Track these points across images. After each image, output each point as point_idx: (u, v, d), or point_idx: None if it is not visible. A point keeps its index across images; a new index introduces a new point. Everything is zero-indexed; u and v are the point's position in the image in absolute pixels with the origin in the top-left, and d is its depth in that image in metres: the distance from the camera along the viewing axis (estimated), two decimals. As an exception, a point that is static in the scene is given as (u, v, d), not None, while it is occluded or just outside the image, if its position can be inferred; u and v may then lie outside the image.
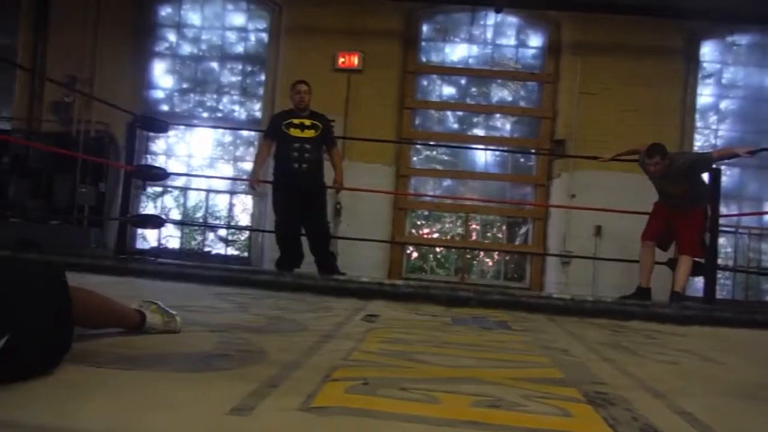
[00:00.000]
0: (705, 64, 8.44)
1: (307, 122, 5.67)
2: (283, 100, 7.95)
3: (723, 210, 6.93)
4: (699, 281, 6.61)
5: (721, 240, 7.43)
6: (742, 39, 8.45)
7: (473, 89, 8.72)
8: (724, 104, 8.50)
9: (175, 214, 8.85)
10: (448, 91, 8.72)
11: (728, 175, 7.88)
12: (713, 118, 8.40)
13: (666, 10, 7.47)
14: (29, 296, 1.62)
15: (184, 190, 8.84)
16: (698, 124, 8.30)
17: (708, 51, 8.47)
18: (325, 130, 5.77)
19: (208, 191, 8.73)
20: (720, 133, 8.34)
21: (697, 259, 5.58)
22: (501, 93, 8.65)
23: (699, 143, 8.18)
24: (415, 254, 8.81)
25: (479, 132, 8.66)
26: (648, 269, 5.54)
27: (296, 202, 5.62)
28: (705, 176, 5.75)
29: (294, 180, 5.60)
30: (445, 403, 1.65)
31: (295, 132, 5.63)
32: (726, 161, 6.69)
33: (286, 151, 5.64)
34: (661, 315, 4.28)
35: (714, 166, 5.58)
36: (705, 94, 8.40)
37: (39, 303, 1.63)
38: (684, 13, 7.44)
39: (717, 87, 8.47)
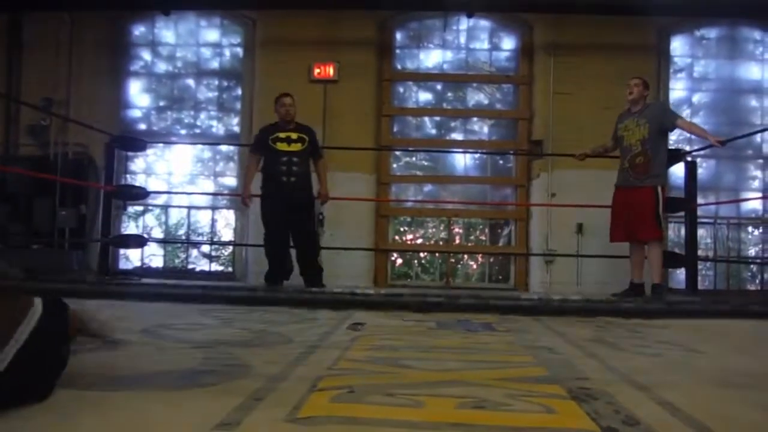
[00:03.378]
0: (676, 59, 8.55)
1: (294, 135, 5.72)
2: (261, 113, 7.98)
3: (700, 202, 7.04)
4: (681, 273, 6.70)
5: (701, 231, 7.53)
6: (711, 32, 8.58)
7: (449, 94, 8.75)
8: (696, 97, 8.60)
9: (157, 233, 8.80)
10: (425, 97, 8.75)
11: (704, 167, 8.00)
12: (687, 112, 8.48)
13: (635, 8, 7.56)
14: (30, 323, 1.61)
15: (165, 208, 8.79)
16: (672, 118, 8.39)
17: (678, 45, 8.57)
18: (312, 143, 5.81)
19: (190, 208, 8.69)
20: (694, 126, 8.44)
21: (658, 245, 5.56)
22: (477, 96, 8.69)
23: (674, 137, 8.27)
24: (399, 261, 8.82)
25: (457, 136, 8.69)
26: (638, 265, 5.59)
27: (285, 214, 5.64)
28: (677, 168, 5.83)
29: (283, 193, 5.62)
30: (430, 406, 1.67)
31: (282, 146, 5.67)
32: (699, 151, 6.84)
33: (274, 165, 5.68)
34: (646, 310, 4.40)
35: (676, 126, 5.61)
36: (677, 89, 8.49)
37: (38, 329, 1.61)
38: (653, 9, 7.54)
39: (689, 81, 8.58)
